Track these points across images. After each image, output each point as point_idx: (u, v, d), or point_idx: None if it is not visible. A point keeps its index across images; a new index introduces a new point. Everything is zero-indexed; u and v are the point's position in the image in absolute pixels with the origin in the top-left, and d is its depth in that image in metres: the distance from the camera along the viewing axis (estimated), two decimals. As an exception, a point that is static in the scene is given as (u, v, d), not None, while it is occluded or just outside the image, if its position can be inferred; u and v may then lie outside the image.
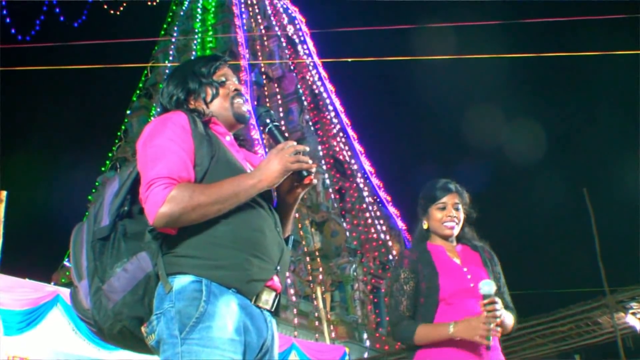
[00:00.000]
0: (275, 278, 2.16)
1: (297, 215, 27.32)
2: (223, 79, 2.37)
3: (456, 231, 3.17)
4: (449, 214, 3.14)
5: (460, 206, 3.17)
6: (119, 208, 2.12)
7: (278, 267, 2.16)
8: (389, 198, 32.65)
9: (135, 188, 2.14)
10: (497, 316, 2.84)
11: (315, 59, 36.20)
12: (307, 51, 36.62)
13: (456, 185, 3.23)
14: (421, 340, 2.94)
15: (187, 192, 2.00)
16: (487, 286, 2.86)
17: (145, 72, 33.64)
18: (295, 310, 24.30)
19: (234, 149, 2.28)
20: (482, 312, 2.83)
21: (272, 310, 2.16)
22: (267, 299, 2.13)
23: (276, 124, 2.26)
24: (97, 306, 2.04)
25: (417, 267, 3.08)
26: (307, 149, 2.18)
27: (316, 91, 34.67)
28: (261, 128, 2.30)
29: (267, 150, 25.53)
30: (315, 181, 2.22)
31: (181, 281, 2.02)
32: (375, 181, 33.18)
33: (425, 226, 3.21)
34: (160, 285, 2.04)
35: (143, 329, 2.05)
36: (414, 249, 3.21)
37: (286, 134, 2.25)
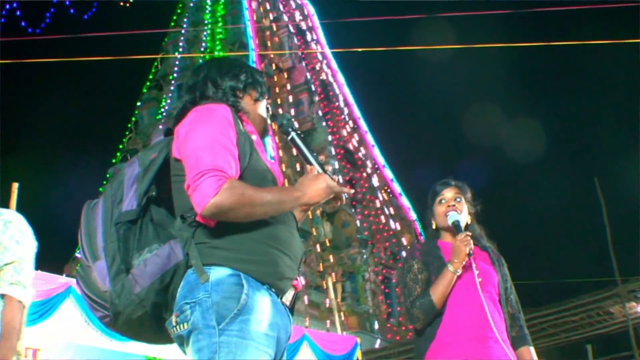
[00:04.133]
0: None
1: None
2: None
3: (462, 220, 3.19)
4: (449, 204, 3.22)
5: (462, 198, 3.26)
6: (147, 192, 2.09)
7: (300, 268, 2.19)
8: (400, 188, 32.61)
9: (158, 175, 2.12)
10: (468, 234, 3.08)
11: (326, 49, 36.13)
12: (316, 41, 36.55)
13: (456, 181, 3.33)
14: (438, 296, 3.02)
15: (239, 188, 1.98)
16: (454, 215, 3.16)
17: (155, 63, 33.70)
18: (306, 301, 24.36)
19: (260, 149, 2.27)
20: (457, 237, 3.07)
21: (290, 307, 2.18)
22: (289, 296, 2.16)
23: (298, 132, 2.30)
24: (118, 289, 1.98)
25: (428, 259, 3.17)
26: (350, 192, 2.29)
27: (326, 82, 34.62)
28: (283, 136, 2.37)
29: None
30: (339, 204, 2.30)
31: (218, 273, 2.00)
32: (386, 171, 33.15)
33: (434, 226, 3.30)
34: (190, 274, 2.02)
35: (174, 317, 2.00)
36: (425, 244, 3.31)
37: (309, 145, 2.32)
